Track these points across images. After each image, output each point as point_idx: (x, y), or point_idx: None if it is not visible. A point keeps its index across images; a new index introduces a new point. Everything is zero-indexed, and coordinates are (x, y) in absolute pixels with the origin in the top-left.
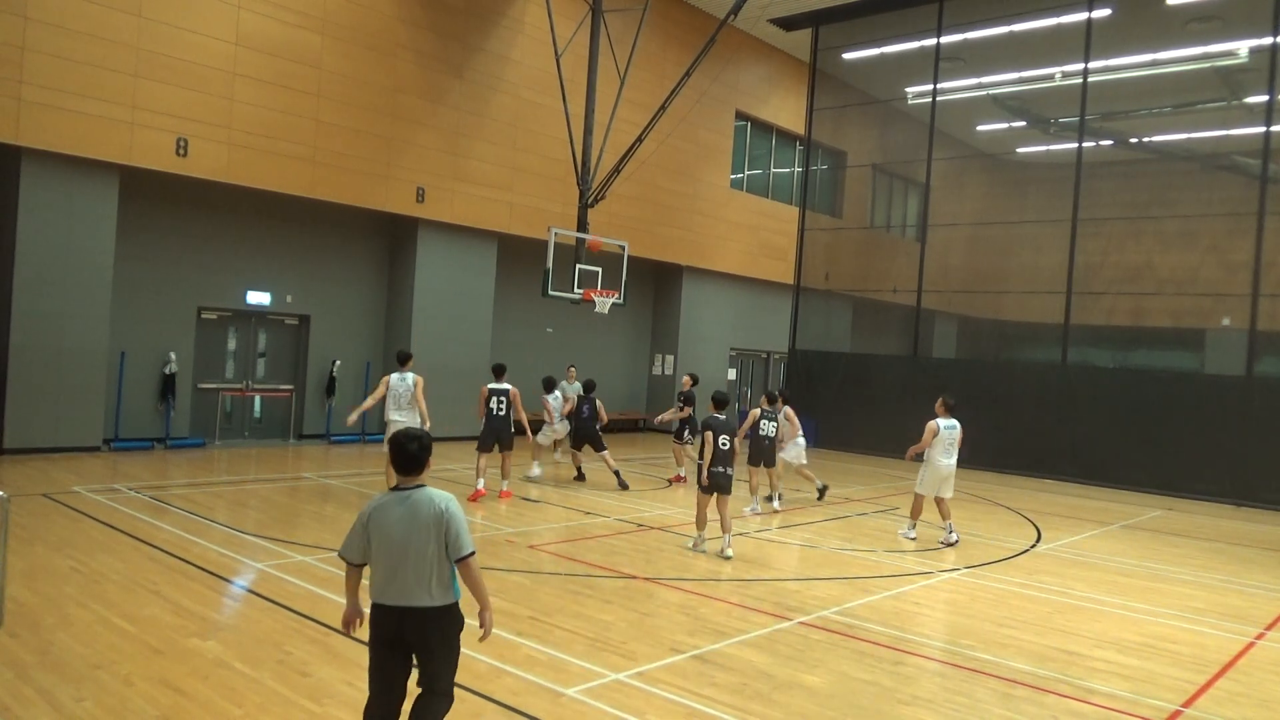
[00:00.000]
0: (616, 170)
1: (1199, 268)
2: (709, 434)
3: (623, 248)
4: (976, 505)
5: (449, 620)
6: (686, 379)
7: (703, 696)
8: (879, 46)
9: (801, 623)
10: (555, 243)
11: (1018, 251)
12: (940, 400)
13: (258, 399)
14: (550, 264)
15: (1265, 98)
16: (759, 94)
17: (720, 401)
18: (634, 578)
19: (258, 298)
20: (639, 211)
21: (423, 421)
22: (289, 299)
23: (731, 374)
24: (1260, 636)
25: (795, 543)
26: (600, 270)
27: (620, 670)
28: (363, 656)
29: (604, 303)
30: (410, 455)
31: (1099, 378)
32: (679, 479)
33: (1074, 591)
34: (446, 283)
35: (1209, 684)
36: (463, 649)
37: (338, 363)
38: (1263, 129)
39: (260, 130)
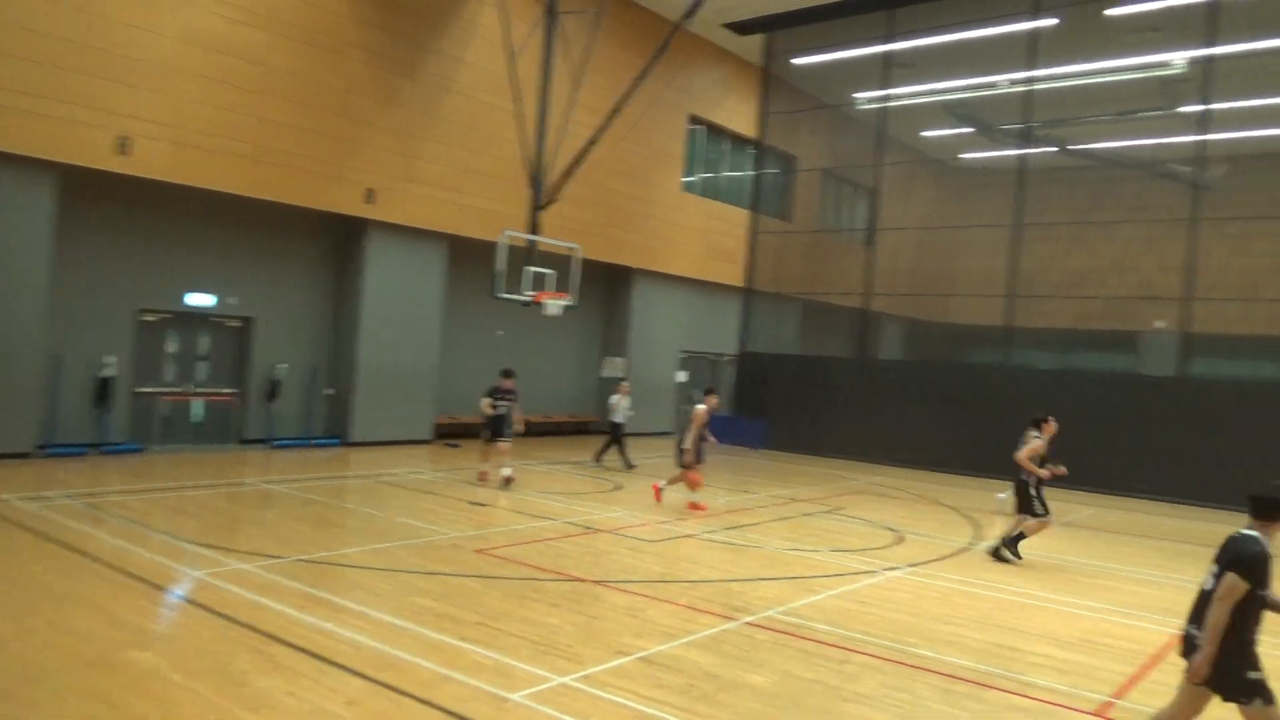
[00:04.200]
0: (569, 173)
1: (1135, 271)
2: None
3: (574, 250)
4: (919, 504)
5: None
6: (504, 376)
7: (649, 698)
8: (830, 52)
9: (748, 623)
10: (507, 245)
11: (964, 255)
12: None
13: (198, 403)
14: (501, 266)
15: (1200, 107)
16: (712, 98)
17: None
18: (581, 581)
19: (200, 300)
20: (591, 214)
21: None
22: (232, 301)
23: (682, 376)
24: None
25: (742, 543)
26: (552, 273)
27: (567, 674)
28: (303, 664)
29: (555, 305)
30: None
31: (1040, 379)
32: (486, 476)
33: (1014, 588)
34: (396, 284)
35: (1140, 675)
36: (411, 658)
37: (281, 366)
38: (1197, 137)
39: (204, 128)
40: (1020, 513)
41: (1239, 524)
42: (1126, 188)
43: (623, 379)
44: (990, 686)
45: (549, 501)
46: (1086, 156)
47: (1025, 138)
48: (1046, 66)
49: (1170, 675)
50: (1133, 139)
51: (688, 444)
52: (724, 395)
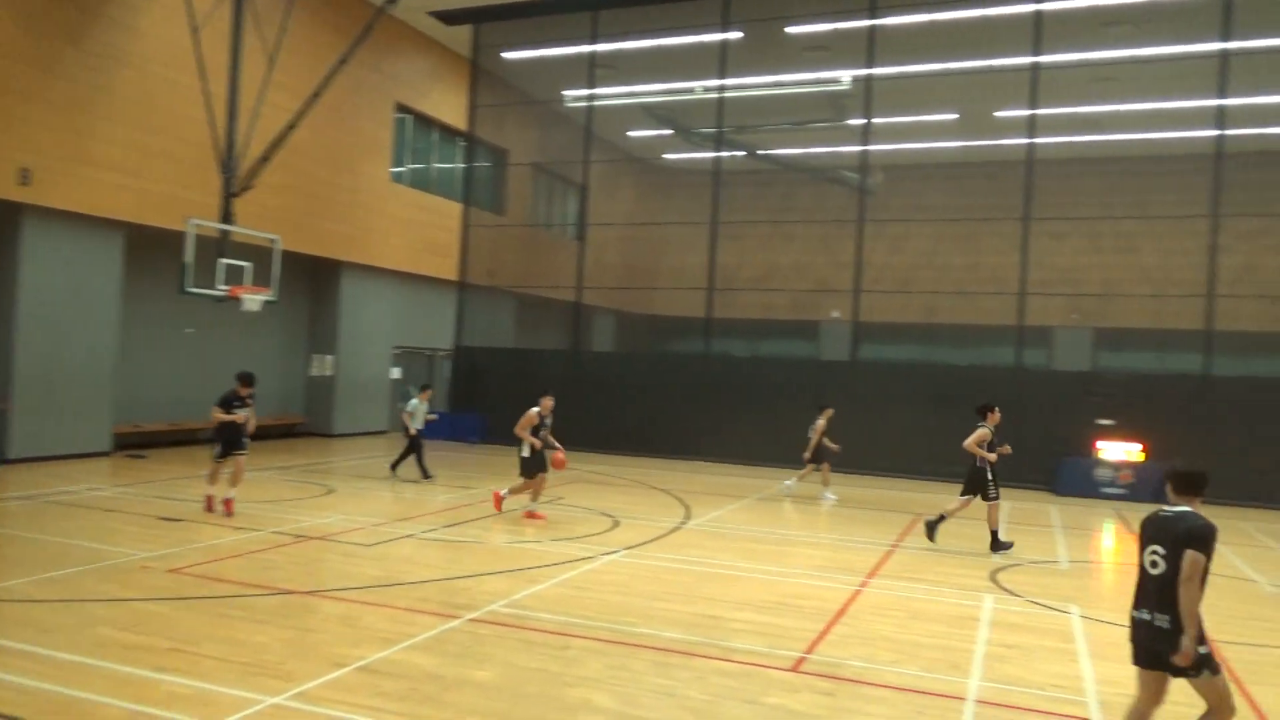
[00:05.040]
0: (265, 158)
1: (814, 267)
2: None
3: (274, 241)
4: (634, 489)
5: None
6: (241, 382)
7: (369, 708)
8: (538, 49)
9: (470, 620)
10: (195, 235)
11: (667, 251)
12: None
13: None
14: (189, 258)
15: (863, 120)
16: (420, 87)
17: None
18: (292, 593)
19: None
20: (293, 203)
21: None
22: None
23: (396, 373)
24: (864, 585)
25: (463, 540)
26: (249, 265)
27: (278, 693)
28: None
29: (253, 300)
30: None
31: (737, 366)
32: (213, 503)
33: (718, 561)
34: (61, 279)
35: (826, 630)
36: (95, 697)
37: None
38: (861, 147)
39: None
40: (968, 494)
41: (907, 488)
42: (805, 191)
43: (426, 386)
44: (699, 655)
45: (254, 510)
46: (771, 161)
47: (719, 141)
48: (736, 76)
49: (851, 627)
50: (809, 147)
51: (526, 451)
52: (439, 390)
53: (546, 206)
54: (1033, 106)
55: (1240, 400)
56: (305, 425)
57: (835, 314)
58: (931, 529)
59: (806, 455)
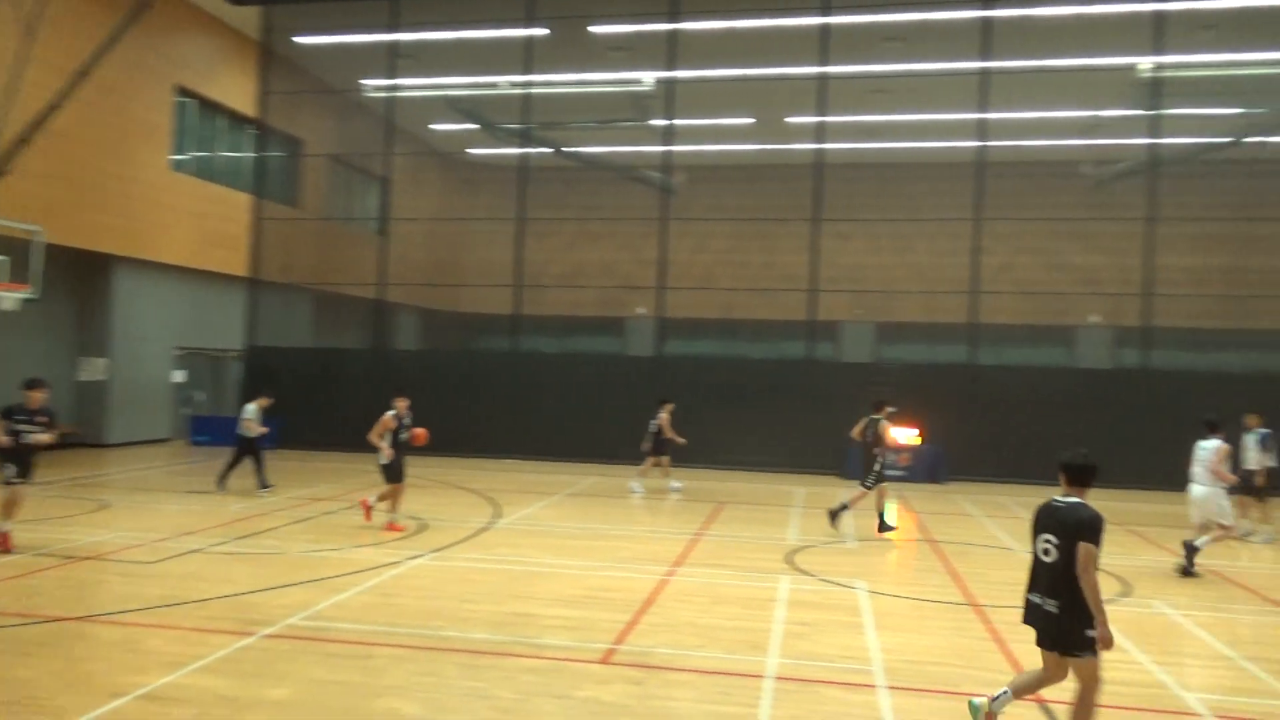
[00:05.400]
0: (24, 141)
1: (621, 264)
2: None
3: (35, 232)
4: (440, 490)
5: None
6: (30, 387)
7: None
8: (334, 34)
9: (266, 636)
10: None
11: (473, 247)
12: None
13: None
14: None
15: (665, 121)
16: (204, 70)
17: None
18: (63, 620)
19: None
20: (58, 192)
21: None
22: None
23: (180, 376)
24: (671, 573)
25: (258, 552)
26: (5, 259)
27: None
28: None
29: (10, 298)
30: None
31: (546, 362)
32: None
33: (528, 559)
34: None
35: (635, 621)
36: None
37: None
38: (664, 148)
39: None
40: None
41: (710, 479)
42: (611, 189)
43: (263, 392)
44: (509, 654)
45: (14, 531)
46: (577, 159)
47: (525, 137)
48: (541, 72)
49: (658, 615)
50: (614, 145)
51: (383, 458)
52: (229, 393)
53: (346, 200)
54: (821, 114)
55: (1000, 386)
56: (75, 435)
57: (641, 310)
58: (834, 516)
59: (646, 447)
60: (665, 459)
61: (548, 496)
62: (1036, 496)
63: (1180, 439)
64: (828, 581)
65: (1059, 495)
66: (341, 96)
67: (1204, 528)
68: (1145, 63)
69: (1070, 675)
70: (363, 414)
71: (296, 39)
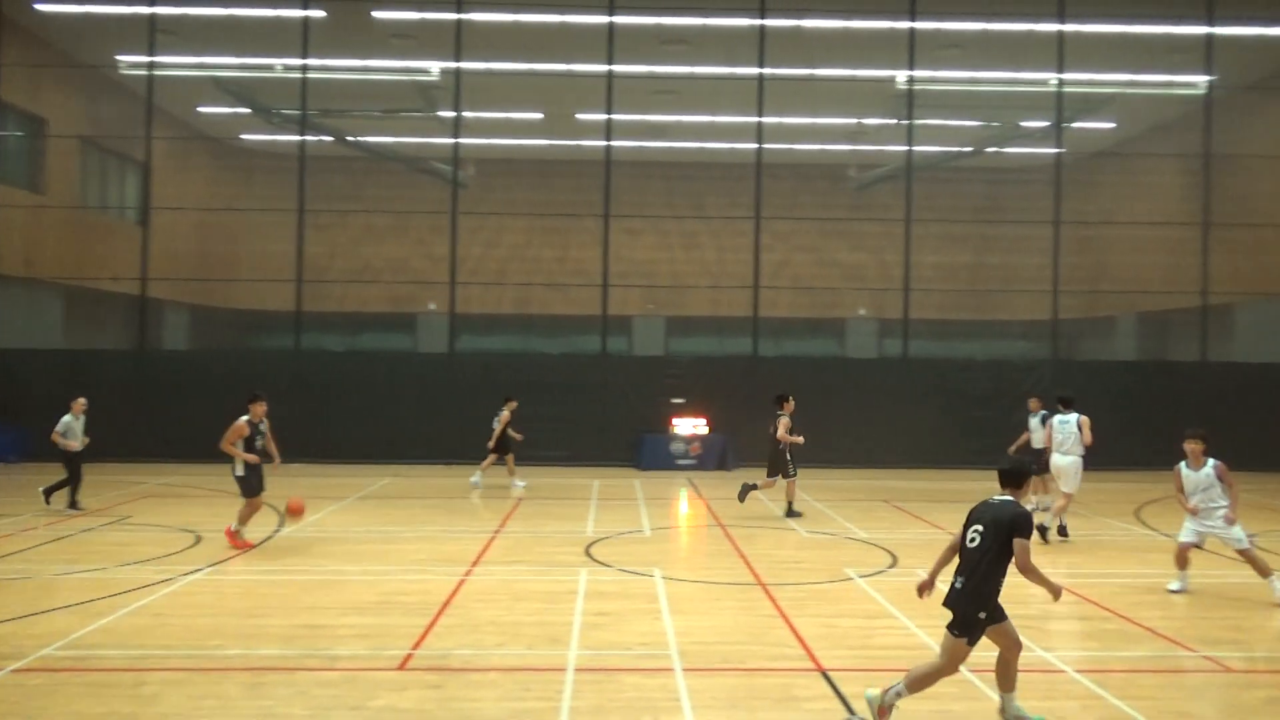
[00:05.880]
0: None
1: (412, 258)
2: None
3: None
4: (217, 499)
5: None
6: None
7: None
8: (82, 4)
9: (15, 670)
10: None
11: (249, 239)
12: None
13: None
14: None
15: (454, 113)
16: None
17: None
18: None
19: None
20: None
21: None
22: None
23: None
24: (469, 573)
25: (7, 576)
26: None
27: None
28: None
29: None
30: None
31: (331, 361)
32: None
33: (318, 567)
34: None
35: (433, 624)
36: None
37: None
38: (453, 140)
39: None
40: (773, 475)
41: (503, 475)
42: (400, 181)
43: (79, 397)
44: (300, 669)
45: None
46: (362, 149)
47: (303, 124)
48: (320, 56)
49: (457, 617)
50: (402, 136)
51: (240, 469)
52: None
53: (100, 187)
54: (609, 112)
55: (780, 376)
56: None
57: (432, 306)
58: (744, 494)
59: (490, 445)
60: (510, 456)
61: (338, 501)
62: (816, 479)
63: (939, 421)
64: (625, 571)
65: (996, 495)
66: (93, 73)
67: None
68: (901, 76)
69: (960, 669)
70: (127, 420)
71: (38, 6)
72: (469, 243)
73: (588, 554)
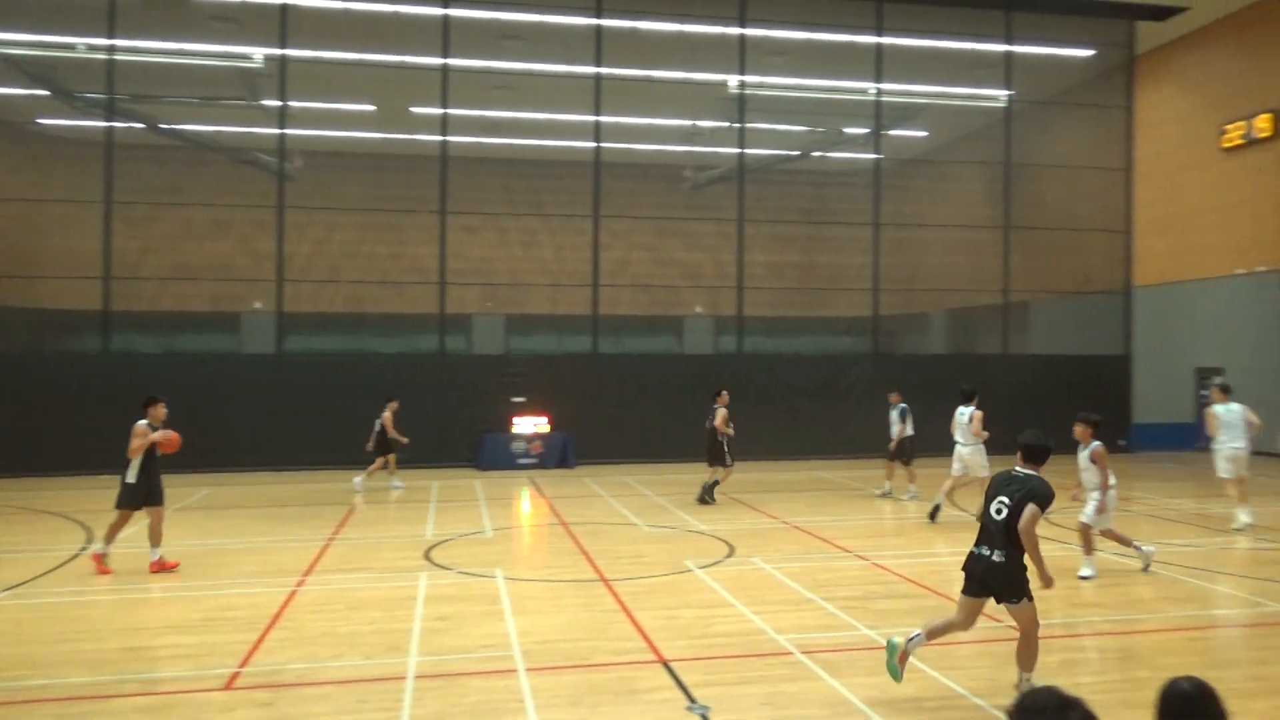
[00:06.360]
0: None
1: (233, 256)
2: None
3: None
4: (13, 515)
5: None
6: None
7: None
8: None
9: None
10: None
11: (50, 232)
12: None
13: None
14: None
15: (279, 102)
16: None
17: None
18: None
19: None
20: None
21: None
22: None
23: None
24: (301, 584)
25: None
26: None
27: None
28: None
29: None
30: None
31: (146, 364)
32: None
33: (134, 586)
34: None
35: (262, 638)
36: None
37: None
38: (278, 130)
39: None
40: (714, 465)
41: (339, 480)
42: (219, 172)
43: None
44: (115, 695)
45: None
46: (178, 137)
47: (110, 109)
48: (129, 37)
49: (288, 630)
50: (222, 125)
51: (131, 475)
52: None
53: None
54: (444, 106)
55: (620, 373)
56: None
57: (258, 305)
58: (707, 493)
59: (369, 447)
60: (390, 457)
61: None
62: (657, 474)
63: (771, 414)
64: (466, 573)
65: (1018, 467)
66: None
67: (959, 481)
68: (733, 80)
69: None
70: None
71: None
72: (298, 239)
73: (427, 558)
